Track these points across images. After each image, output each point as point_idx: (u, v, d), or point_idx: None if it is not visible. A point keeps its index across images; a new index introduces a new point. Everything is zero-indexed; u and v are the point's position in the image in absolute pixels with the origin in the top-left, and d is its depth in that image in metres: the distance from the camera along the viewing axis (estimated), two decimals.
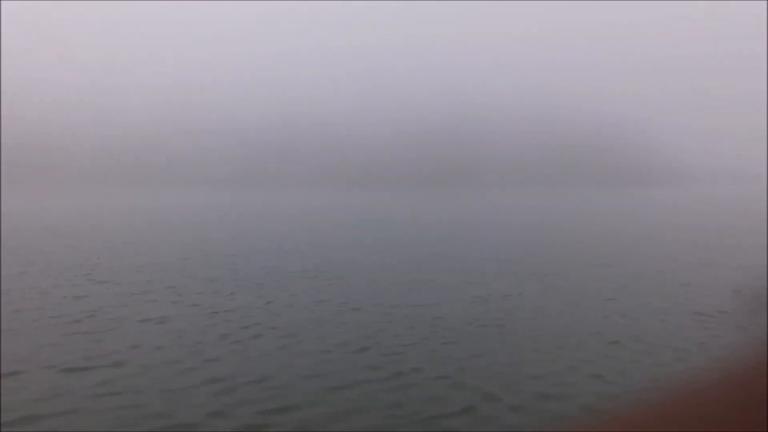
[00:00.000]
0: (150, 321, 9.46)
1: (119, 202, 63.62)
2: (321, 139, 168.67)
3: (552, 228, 28.45)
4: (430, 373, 6.70)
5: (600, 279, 13.43)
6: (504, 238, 23.31)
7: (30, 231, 27.55)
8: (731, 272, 14.42)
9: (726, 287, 12.26)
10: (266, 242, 22.23)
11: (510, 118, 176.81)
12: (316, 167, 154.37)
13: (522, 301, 10.87)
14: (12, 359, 7.33)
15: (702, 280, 13.35)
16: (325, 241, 22.68)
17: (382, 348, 7.76)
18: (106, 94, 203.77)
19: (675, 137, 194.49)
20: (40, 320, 9.54)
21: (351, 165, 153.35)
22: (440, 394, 6.04)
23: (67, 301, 11.19)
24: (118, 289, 12.32)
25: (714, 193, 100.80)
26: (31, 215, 40.27)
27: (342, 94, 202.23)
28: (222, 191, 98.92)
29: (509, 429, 5.22)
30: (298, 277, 13.91)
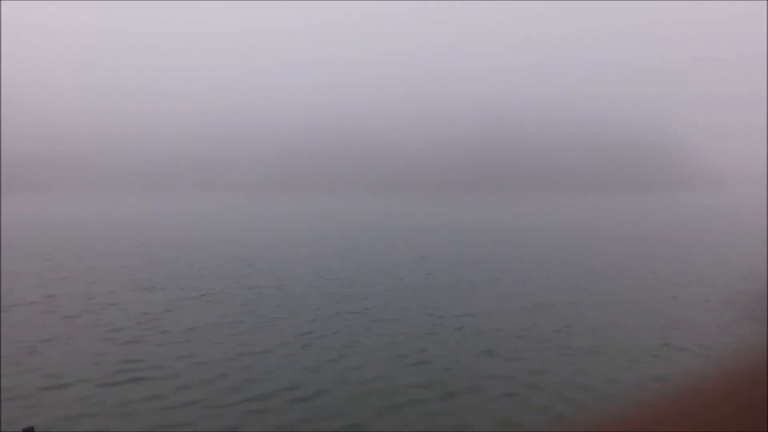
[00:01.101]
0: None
1: (149, 207, 64.93)
2: (354, 146, 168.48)
3: (597, 234, 28.12)
4: None
5: (651, 286, 13.42)
6: (546, 245, 23.09)
7: (64, 235, 28.37)
8: None
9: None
10: (296, 247, 22.50)
11: (546, 121, 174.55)
12: (348, 173, 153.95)
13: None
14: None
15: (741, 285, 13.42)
16: (360, 243, 22.92)
17: None
18: (133, 100, 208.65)
19: (709, 140, 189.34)
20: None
21: (385, 171, 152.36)
22: None
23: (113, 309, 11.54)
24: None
25: (745, 196, 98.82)
26: (64, 220, 41.13)
27: (375, 99, 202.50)
28: (252, 196, 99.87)
29: None
30: (338, 283, 14.13)
